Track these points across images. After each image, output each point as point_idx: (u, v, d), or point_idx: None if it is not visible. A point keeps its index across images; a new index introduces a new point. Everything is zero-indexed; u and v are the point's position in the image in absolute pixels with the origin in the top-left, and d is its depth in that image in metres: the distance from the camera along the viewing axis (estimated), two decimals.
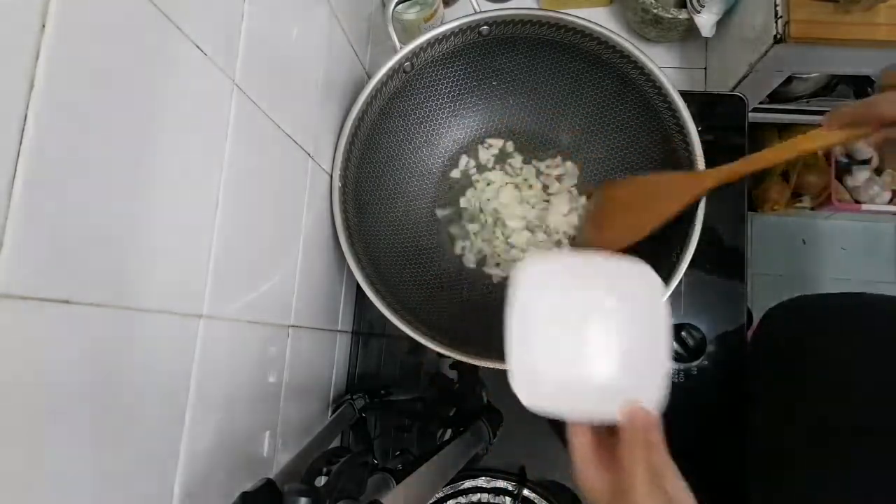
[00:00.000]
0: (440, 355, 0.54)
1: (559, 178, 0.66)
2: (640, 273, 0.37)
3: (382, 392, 0.60)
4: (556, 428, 0.57)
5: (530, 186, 0.67)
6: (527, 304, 0.36)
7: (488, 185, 0.67)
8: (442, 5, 0.71)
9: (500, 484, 0.59)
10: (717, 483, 0.59)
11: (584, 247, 0.60)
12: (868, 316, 0.55)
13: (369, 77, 0.57)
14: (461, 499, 0.59)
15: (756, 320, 0.69)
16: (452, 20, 0.57)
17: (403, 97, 0.61)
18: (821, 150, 0.43)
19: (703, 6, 0.71)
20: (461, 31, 0.58)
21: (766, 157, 0.48)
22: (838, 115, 0.42)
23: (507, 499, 0.59)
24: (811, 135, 0.44)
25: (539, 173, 0.67)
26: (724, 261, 0.64)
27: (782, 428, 0.55)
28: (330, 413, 0.58)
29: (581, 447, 0.35)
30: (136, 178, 0.29)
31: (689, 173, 0.53)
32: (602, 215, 0.60)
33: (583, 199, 0.66)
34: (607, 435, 0.35)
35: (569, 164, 0.67)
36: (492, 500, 0.59)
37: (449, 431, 0.59)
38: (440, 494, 0.59)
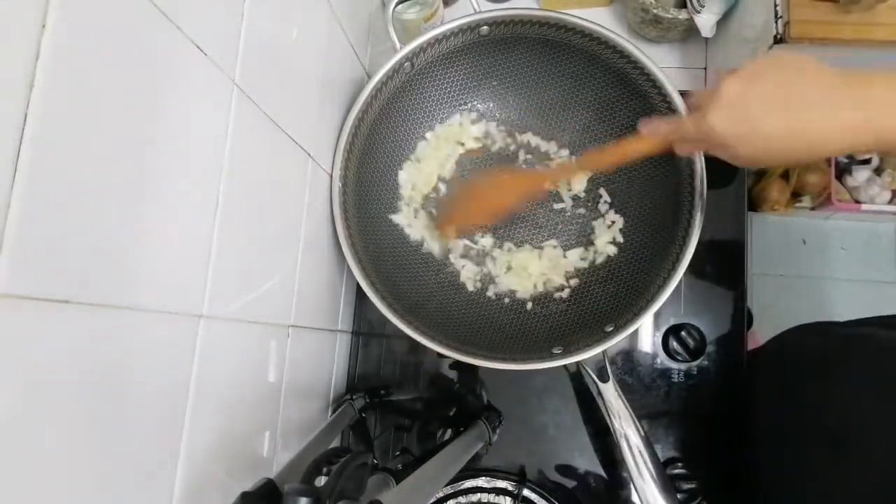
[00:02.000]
0: (440, 355, 0.54)
1: None
2: None
3: (382, 392, 0.60)
4: None
5: None
6: None
7: None
8: (442, 5, 0.71)
9: (500, 484, 0.59)
10: (718, 483, 0.60)
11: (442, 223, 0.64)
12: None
13: (369, 77, 0.57)
14: (461, 499, 0.59)
15: (756, 321, 0.69)
16: (452, 20, 0.57)
17: (403, 97, 0.61)
18: (635, 154, 0.48)
19: (703, 6, 0.71)
20: (461, 31, 0.58)
21: (588, 161, 0.58)
22: (654, 127, 0.47)
23: (507, 499, 0.59)
24: (630, 140, 0.48)
25: None
26: (724, 261, 0.64)
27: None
28: (330, 413, 0.58)
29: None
30: (136, 177, 0.29)
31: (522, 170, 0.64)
32: (462, 199, 0.64)
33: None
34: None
35: None
36: (492, 500, 0.59)
37: (449, 431, 0.59)
38: (440, 494, 0.59)
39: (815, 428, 0.51)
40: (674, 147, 0.47)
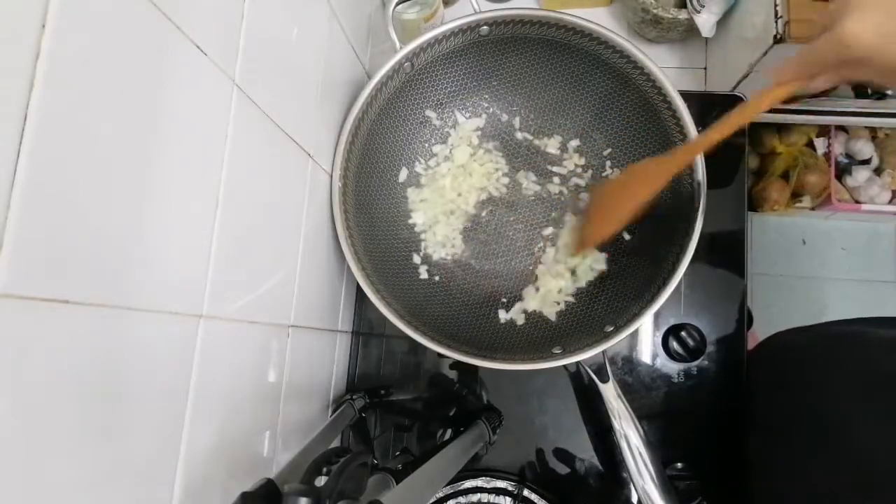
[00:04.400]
0: (440, 355, 0.54)
1: None
2: None
3: (382, 392, 0.60)
4: None
5: None
6: None
7: None
8: (442, 5, 0.71)
9: (500, 484, 0.59)
10: (718, 482, 0.60)
11: (581, 242, 0.61)
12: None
13: (369, 77, 0.57)
14: (461, 499, 0.59)
15: (756, 321, 0.69)
16: (452, 20, 0.57)
17: (403, 97, 0.61)
18: (774, 104, 0.43)
19: (703, 6, 0.71)
20: (461, 31, 0.58)
21: (723, 127, 0.47)
22: (782, 70, 0.42)
23: (507, 499, 0.59)
24: (763, 92, 0.43)
25: None
26: (724, 261, 0.64)
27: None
28: (330, 413, 0.58)
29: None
30: (136, 177, 0.29)
31: (657, 157, 0.54)
32: (591, 210, 0.61)
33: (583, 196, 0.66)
34: None
35: None
36: (492, 500, 0.59)
37: (449, 431, 0.59)
38: (440, 494, 0.59)
39: (804, 424, 0.51)
40: (811, 85, 0.41)
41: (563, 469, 0.61)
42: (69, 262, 0.25)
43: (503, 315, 0.63)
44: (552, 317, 0.62)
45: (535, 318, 0.62)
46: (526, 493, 0.59)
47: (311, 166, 0.52)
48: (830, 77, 0.40)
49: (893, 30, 0.34)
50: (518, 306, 0.63)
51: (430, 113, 0.65)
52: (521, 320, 0.62)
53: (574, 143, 0.66)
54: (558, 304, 0.62)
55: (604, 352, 0.53)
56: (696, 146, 0.51)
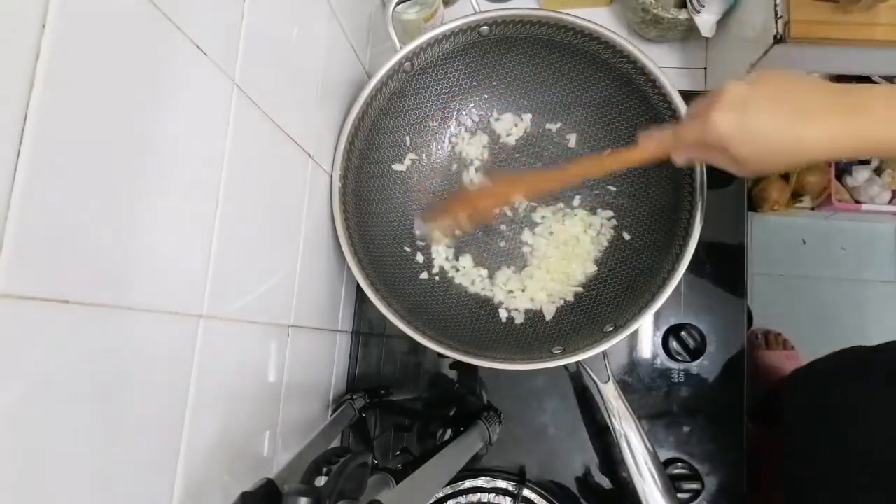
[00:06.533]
0: (440, 355, 0.54)
1: None
2: None
3: (382, 392, 0.60)
4: None
5: None
6: None
7: None
8: (442, 5, 0.71)
9: (500, 484, 0.59)
10: (718, 483, 0.60)
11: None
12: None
13: (369, 77, 0.57)
14: (461, 499, 0.59)
15: (755, 321, 0.69)
16: (452, 20, 0.57)
17: (403, 97, 0.61)
18: (635, 163, 0.49)
19: (703, 6, 0.71)
20: (461, 31, 0.58)
21: (580, 169, 0.54)
22: (650, 137, 0.48)
23: (507, 499, 0.59)
24: (633, 149, 0.49)
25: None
26: (724, 261, 0.64)
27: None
28: (330, 413, 0.58)
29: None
30: (136, 177, 0.29)
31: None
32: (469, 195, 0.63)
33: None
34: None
35: None
36: (492, 500, 0.59)
37: (449, 431, 0.59)
38: (440, 494, 0.59)
39: (848, 459, 0.52)
40: (672, 156, 0.47)
41: (562, 469, 0.61)
42: (69, 262, 0.25)
43: (503, 315, 0.62)
44: (552, 317, 0.62)
45: (535, 317, 0.62)
46: (526, 493, 0.59)
47: (311, 166, 0.52)
48: (689, 154, 0.47)
49: (747, 128, 0.40)
50: (518, 306, 0.63)
51: (430, 113, 0.65)
52: (520, 320, 0.62)
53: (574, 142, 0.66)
54: (558, 304, 0.62)
55: (604, 352, 0.53)
56: (556, 177, 0.57)
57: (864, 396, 0.54)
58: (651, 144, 0.48)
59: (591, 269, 0.63)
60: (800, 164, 0.57)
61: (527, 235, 0.65)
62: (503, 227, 0.66)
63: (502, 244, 0.65)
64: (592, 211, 0.65)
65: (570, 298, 0.62)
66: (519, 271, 0.64)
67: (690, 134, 0.44)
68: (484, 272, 0.65)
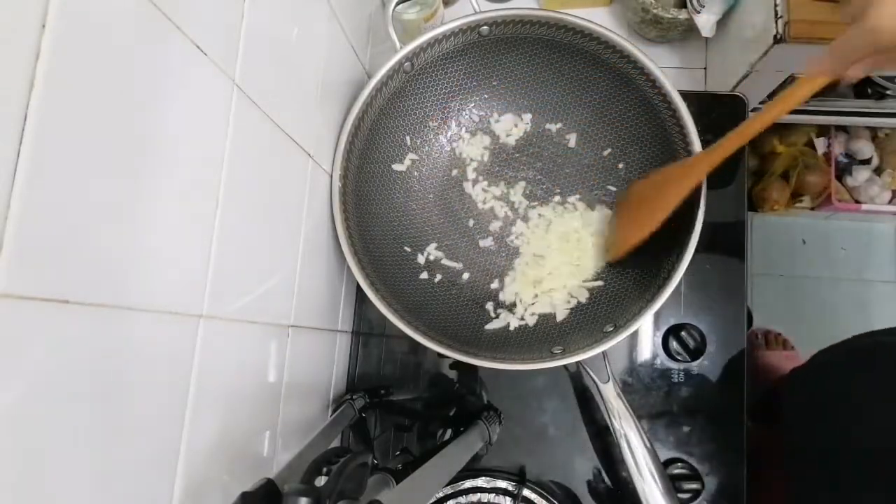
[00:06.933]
0: (440, 355, 0.54)
1: None
2: None
3: (382, 392, 0.60)
4: None
5: None
6: None
7: None
8: (442, 5, 0.71)
9: (500, 484, 0.59)
10: (718, 483, 0.60)
11: (612, 247, 0.60)
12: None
13: (369, 77, 0.57)
14: (461, 499, 0.59)
15: (755, 321, 0.69)
16: (452, 20, 0.57)
17: (403, 97, 0.61)
18: (813, 91, 0.42)
19: (703, 6, 0.71)
20: (461, 31, 0.58)
21: (753, 125, 0.47)
22: (818, 60, 0.42)
23: (507, 499, 0.59)
24: (799, 82, 0.43)
25: None
26: (724, 261, 0.64)
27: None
28: (330, 413, 0.58)
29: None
30: (136, 177, 0.29)
31: (685, 161, 0.54)
32: (621, 215, 0.60)
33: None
34: None
35: None
36: (492, 500, 0.59)
37: (449, 431, 0.59)
38: (440, 494, 0.59)
39: (848, 456, 0.51)
40: (847, 74, 0.41)
41: (563, 469, 0.61)
42: (69, 262, 0.25)
43: (503, 315, 0.62)
44: (552, 316, 0.62)
45: (535, 318, 0.62)
46: (526, 493, 0.59)
47: (311, 166, 0.52)
48: (865, 66, 0.40)
49: None
50: (518, 306, 0.63)
51: (430, 113, 0.65)
52: (521, 320, 0.62)
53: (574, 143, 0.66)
54: (558, 303, 0.62)
55: (604, 352, 0.53)
56: (737, 137, 0.48)
57: (867, 387, 0.53)
58: (816, 70, 0.42)
59: (599, 265, 0.63)
60: None
61: (527, 235, 0.65)
62: (501, 226, 0.66)
63: (502, 244, 0.65)
64: (592, 209, 0.65)
65: (572, 299, 0.62)
66: (519, 271, 0.64)
67: (857, 43, 0.38)
68: (486, 271, 0.65)
